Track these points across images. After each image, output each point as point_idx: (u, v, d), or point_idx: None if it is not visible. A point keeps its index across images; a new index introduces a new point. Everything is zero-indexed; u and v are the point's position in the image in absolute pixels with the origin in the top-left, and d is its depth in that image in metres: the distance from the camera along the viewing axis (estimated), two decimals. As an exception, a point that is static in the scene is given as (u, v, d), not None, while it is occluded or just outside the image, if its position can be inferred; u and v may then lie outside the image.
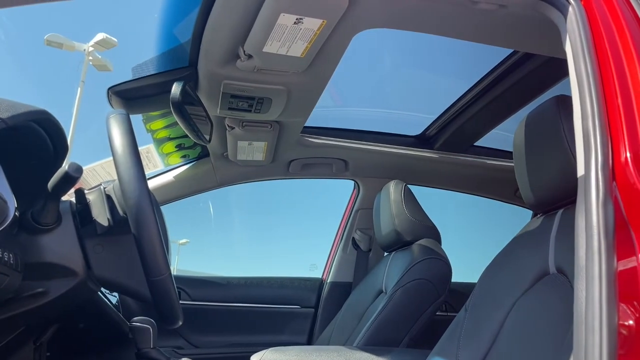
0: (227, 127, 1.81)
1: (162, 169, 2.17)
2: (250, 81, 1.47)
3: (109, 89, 1.46)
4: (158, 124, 1.85)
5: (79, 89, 11.47)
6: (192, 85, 1.47)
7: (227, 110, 1.65)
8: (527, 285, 1.09)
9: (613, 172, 0.76)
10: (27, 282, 0.80)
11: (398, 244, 1.92)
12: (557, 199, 1.08)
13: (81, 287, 0.88)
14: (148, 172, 2.14)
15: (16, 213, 0.86)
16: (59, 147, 1.00)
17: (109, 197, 0.90)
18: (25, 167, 0.99)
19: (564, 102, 1.04)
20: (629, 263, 0.71)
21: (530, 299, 1.07)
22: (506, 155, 2.31)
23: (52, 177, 1.07)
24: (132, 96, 1.50)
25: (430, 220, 1.94)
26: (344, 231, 2.47)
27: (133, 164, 0.83)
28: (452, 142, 2.21)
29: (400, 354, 1.44)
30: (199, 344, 2.23)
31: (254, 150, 2.01)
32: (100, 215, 0.89)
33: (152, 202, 0.82)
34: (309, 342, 2.32)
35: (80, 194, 0.91)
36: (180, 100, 1.36)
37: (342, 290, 2.37)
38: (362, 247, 2.40)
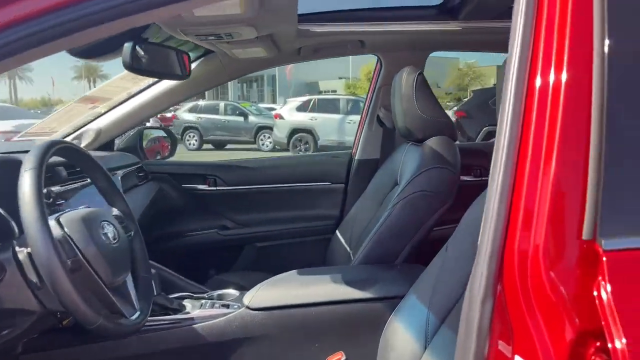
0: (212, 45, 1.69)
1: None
2: (203, 27, 1.32)
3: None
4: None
5: None
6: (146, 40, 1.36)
7: (201, 40, 1.53)
8: None
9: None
10: None
11: (411, 138, 1.85)
12: None
13: (43, 318, 1.03)
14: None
15: None
16: None
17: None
18: None
19: None
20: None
21: None
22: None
23: None
24: (96, 54, 1.43)
25: (445, 115, 1.81)
26: (369, 108, 2.37)
27: (40, 228, 0.88)
28: (480, 9, 1.88)
29: (389, 269, 1.54)
30: (242, 222, 2.45)
31: (253, 52, 1.89)
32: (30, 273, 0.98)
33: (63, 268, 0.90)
34: (341, 215, 2.44)
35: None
36: (131, 63, 1.29)
37: (369, 167, 2.37)
38: (387, 124, 2.30)
